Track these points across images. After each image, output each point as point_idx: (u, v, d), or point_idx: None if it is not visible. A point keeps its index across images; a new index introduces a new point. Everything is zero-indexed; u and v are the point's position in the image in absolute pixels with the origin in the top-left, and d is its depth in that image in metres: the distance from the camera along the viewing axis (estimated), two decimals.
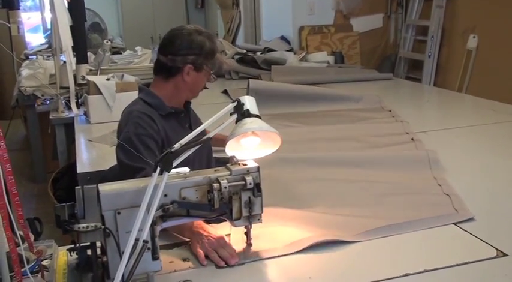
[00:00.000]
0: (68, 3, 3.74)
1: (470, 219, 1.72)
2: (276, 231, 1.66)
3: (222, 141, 1.59)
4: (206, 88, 2.07)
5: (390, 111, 3.34)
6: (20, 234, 1.14)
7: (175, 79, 1.96)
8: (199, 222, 1.58)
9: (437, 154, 2.31)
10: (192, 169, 1.47)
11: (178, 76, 1.95)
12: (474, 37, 5.12)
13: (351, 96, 3.73)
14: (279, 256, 1.51)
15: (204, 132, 1.44)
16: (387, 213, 1.82)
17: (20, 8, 8.20)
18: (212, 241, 1.52)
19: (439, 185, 2.06)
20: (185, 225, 1.58)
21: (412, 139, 2.68)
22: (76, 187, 1.31)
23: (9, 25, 5.91)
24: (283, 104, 3.48)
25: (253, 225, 1.50)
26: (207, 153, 2.11)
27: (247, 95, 2.30)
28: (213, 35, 2.01)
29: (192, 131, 1.38)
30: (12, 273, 1.12)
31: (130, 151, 1.82)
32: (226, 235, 1.58)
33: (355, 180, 2.17)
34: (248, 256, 1.50)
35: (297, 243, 1.57)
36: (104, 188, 1.34)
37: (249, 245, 1.55)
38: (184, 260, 1.49)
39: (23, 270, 1.13)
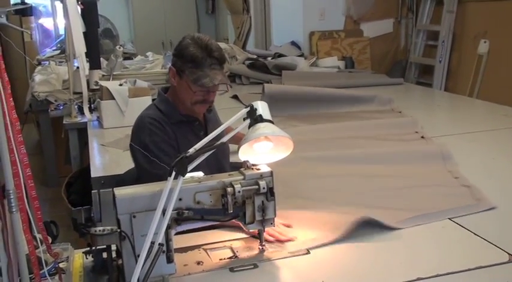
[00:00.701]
0: (81, 9, 3.78)
1: (482, 223, 1.73)
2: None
3: (238, 139, 1.61)
4: (206, 103, 1.92)
5: (400, 112, 3.40)
6: (38, 237, 1.17)
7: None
8: None
9: (449, 149, 2.40)
10: (206, 173, 1.48)
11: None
12: (485, 42, 5.10)
13: (363, 96, 3.80)
14: (291, 256, 1.54)
15: (219, 138, 1.46)
16: (410, 205, 1.88)
17: (32, 14, 8.28)
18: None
19: (456, 177, 2.13)
20: None
21: (423, 137, 2.76)
22: (92, 191, 1.34)
23: (28, 32, 5.97)
24: (297, 106, 3.51)
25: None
26: (223, 157, 2.10)
27: (261, 99, 2.31)
28: (211, 46, 1.83)
29: None
30: (31, 275, 1.15)
31: (151, 159, 1.84)
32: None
33: (371, 175, 2.24)
34: (262, 259, 1.52)
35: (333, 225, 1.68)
36: (120, 192, 1.36)
37: (261, 249, 1.56)
38: (198, 263, 1.51)
39: (41, 272, 1.15)
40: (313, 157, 2.43)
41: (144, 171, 1.88)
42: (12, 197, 1.08)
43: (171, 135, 1.92)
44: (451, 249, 1.59)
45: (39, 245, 1.17)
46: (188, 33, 1.93)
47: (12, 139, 1.05)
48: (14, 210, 1.09)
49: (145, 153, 1.86)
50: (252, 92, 4.00)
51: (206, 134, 1.89)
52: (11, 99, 1.05)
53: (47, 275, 1.18)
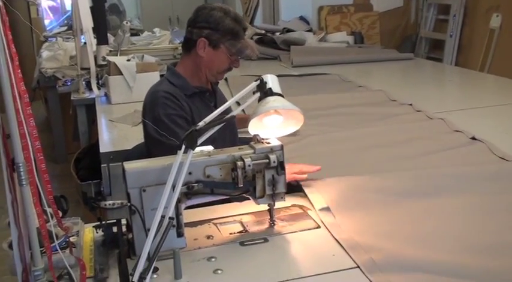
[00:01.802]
0: None
1: None
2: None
3: (244, 120, 1.60)
4: (230, 70, 2.03)
5: (411, 104, 2.90)
6: (49, 211, 1.16)
7: (193, 54, 1.97)
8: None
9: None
10: (215, 148, 1.47)
11: (194, 50, 1.95)
12: (497, 16, 5.02)
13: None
14: (302, 230, 1.53)
15: (228, 111, 1.44)
16: None
17: None
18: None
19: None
20: None
21: (474, 138, 2.30)
22: (102, 165, 1.33)
23: (36, 2, 5.91)
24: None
25: None
26: (231, 133, 2.11)
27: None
28: (241, 19, 1.96)
29: None
30: (42, 249, 1.14)
31: (165, 131, 1.84)
32: None
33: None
34: (273, 233, 1.52)
35: None
36: (130, 166, 1.35)
37: (272, 223, 1.55)
38: (208, 237, 1.51)
39: (52, 245, 1.15)
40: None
41: (159, 143, 1.87)
42: (22, 170, 1.07)
43: (186, 109, 1.93)
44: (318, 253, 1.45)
45: (50, 218, 1.16)
46: (206, 5, 2.00)
47: (20, 111, 1.04)
48: (24, 183, 1.08)
49: (159, 127, 1.86)
50: (245, 73, 3.69)
51: (216, 105, 1.98)
52: (19, 70, 1.04)
53: (58, 249, 1.18)
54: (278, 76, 1.53)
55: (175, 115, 1.89)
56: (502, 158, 2.07)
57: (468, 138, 2.31)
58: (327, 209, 1.62)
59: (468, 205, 1.69)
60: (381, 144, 2.32)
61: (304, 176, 1.80)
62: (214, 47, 1.93)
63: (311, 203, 1.68)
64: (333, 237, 1.49)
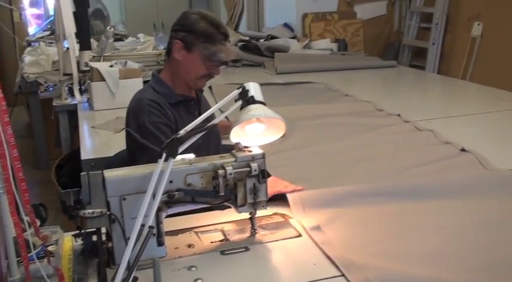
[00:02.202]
0: None
1: None
2: None
3: (227, 128, 1.59)
4: (211, 76, 2.00)
5: (399, 115, 2.88)
6: (26, 220, 1.15)
7: (172, 59, 1.96)
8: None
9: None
10: (199, 156, 1.47)
11: (171, 54, 1.95)
12: (479, 24, 5.09)
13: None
14: (283, 239, 1.52)
15: (211, 120, 1.44)
16: None
17: None
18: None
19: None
20: None
21: (464, 150, 2.27)
22: (82, 173, 1.32)
23: (14, 9, 5.87)
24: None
25: None
26: (215, 141, 2.10)
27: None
28: (218, 22, 1.92)
29: None
30: (19, 258, 1.13)
31: (150, 139, 1.82)
32: None
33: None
34: (254, 242, 1.51)
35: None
36: (110, 174, 1.34)
37: (253, 232, 1.55)
38: (189, 246, 1.50)
39: (29, 255, 1.13)
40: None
41: (146, 150, 1.85)
42: None
43: (171, 117, 1.93)
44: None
45: (27, 227, 1.15)
46: (190, 9, 1.98)
47: None
48: (0, 192, 1.07)
49: (144, 134, 1.85)
50: (229, 82, 3.64)
51: (200, 113, 1.93)
52: None
53: (35, 258, 1.16)
54: (262, 84, 1.53)
55: (160, 123, 1.89)
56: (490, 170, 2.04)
57: (458, 150, 2.28)
58: (318, 227, 1.56)
59: (464, 220, 1.63)
60: (369, 156, 2.27)
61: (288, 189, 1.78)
62: (188, 49, 1.91)
63: (292, 213, 1.66)
64: (317, 246, 1.48)
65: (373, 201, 1.73)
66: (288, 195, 1.72)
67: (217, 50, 1.89)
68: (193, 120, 1.37)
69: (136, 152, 1.93)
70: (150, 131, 1.86)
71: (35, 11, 8.09)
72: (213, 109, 1.45)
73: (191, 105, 2.03)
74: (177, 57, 1.93)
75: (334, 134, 2.63)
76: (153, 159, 1.39)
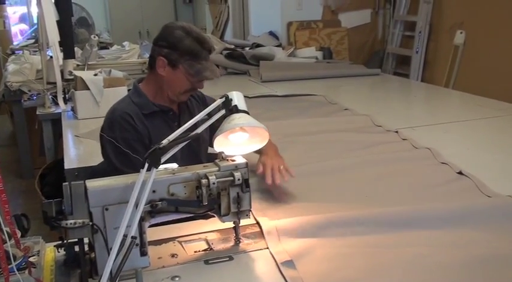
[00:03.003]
0: None
1: None
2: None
3: None
4: (194, 90, 2.00)
5: (397, 132, 2.76)
6: (6, 231, 1.14)
7: (154, 72, 1.95)
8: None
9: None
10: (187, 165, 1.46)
11: (155, 68, 1.94)
12: (461, 33, 5.15)
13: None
14: (267, 248, 1.52)
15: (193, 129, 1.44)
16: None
17: (6, 2, 8.11)
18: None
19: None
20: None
21: (461, 173, 2.14)
22: (64, 183, 1.31)
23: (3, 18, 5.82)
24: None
25: None
26: (194, 150, 2.08)
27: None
28: (203, 38, 1.91)
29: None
30: None
31: (121, 155, 1.83)
32: None
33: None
34: (238, 251, 1.51)
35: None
36: (92, 184, 1.33)
37: (237, 241, 1.55)
38: (173, 256, 1.49)
39: (10, 267, 1.12)
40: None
41: (112, 166, 1.87)
42: None
43: (142, 130, 1.91)
44: None
45: (7, 239, 1.14)
46: (173, 23, 1.95)
47: None
48: None
49: (115, 148, 1.86)
50: (215, 88, 3.50)
51: (179, 125, 1.80)
52: None
53: (15, 270, 1.15)
54: (262, 97, 1.53)
55: (132, 139, 1.88)
56: (489, 196, 1.91)
57: (455, 172, 2.15)
58: (290, 262, 1.43)
59: (458, 254, 1.48)
60: (361, 177, 2.14)
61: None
62: (173, 66, 1.90)
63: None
64: None
65: (356, 231, 1.59)
66: (262, 225, 1.62)
67: (202, 67, 1.89)
68: (171, 132, 1.36)
69: (108, 167, 1.93)
70: (120, 147, 1.86)
71: (24, 26, 8.06)
72: (196, 118, 1.45)
73: (169, 116, 2.01)
74: (161, 73, 1.92)
75: (326, 152, 2.51)
76: (119, 173, 1.40)
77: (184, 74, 1.90)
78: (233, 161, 1.46)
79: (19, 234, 1.21)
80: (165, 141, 1.32)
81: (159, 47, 1.92)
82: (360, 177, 2.14)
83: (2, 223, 1.07)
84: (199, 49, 1.88)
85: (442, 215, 1.70)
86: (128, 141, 1.87)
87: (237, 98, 1.51)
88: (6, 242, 1.13)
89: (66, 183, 1.31)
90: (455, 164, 2.21)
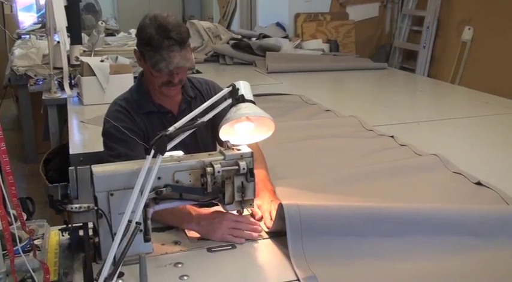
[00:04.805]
0: None
1: None
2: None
3: None
4: (174, 84, 1.80)
5: (392, 136, 2.54)
6: (13, 213, 1.14)
7: None
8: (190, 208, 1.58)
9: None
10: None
11: None
12: (469, 29, 5.12)
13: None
14: (270, 237, 1.52)
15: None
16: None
17: None
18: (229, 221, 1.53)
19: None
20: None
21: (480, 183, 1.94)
22: (70, 168, 1.31)
23: (5, 2, 5.83)
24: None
25: None
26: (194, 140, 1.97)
27: None
28: (166, 26, 1.70)
29: None
30: (4, 252, 1.13)
31: (113, 142, 1.81)
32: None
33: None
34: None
35: None
36: (98, 169, 1.34)
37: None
38: (176, 243, 1.50)
39: (15, 248, 1.13)
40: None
41: (104, 154, 1.85)
42: None
43: (140, 123, 1.85)
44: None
45: (13, 221, 1.15)
46: (150, 12, 1.79)
47: None
48: None
49: (107, 139, 1.84)
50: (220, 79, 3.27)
51: None
52: None
53: (21, 252, 1.16)
54: None
55: (124, 127, 1.79)
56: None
57: (472, 183, 1.95)
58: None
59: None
60: (369, 192, 1.89)
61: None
62: (143, 58, 1.77)
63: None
64: None
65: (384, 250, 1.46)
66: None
67: (160, 58, 1.70)
68: None
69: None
70: (112, 135, 1.81)
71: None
72: (202, 107, 1.46)
73: (167, 118, 1.89)
74: (140, 65, 1.85)
75: (321, 162, 2.25)
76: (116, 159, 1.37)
77: (147, 64, 1.76)
78: (238, 150, 1.46)
79: (24, 217, 1.22)
80: (171, 129, 1.32)
81: (136, 38, 1.84)
82: (366, 192, 1.88)
83: (8, 205, 1.08)
84: (159, 38, 1.69)
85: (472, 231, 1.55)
86: (118, 128, 1.79)
87: (244, 88, 1.52)
88: (12, 224, 1.14)
89: (72, 167, 1.32)
90: (470, 172, 2.03)
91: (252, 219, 1.61)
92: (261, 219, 1.63)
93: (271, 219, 1.59)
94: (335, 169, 2.15)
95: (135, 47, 1.82)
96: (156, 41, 1.69)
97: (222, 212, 1.56)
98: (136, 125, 1.84)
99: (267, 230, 1.57)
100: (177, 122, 1.86)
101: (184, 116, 1.88)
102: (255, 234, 1.53)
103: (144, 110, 1.87)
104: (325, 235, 1.47)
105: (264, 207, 1.66)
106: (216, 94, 1.53)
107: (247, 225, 1.55)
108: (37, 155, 4.56)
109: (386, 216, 1.55)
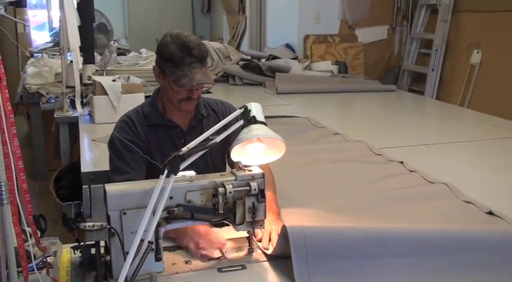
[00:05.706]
0: (77, 3, 3.77)
1: None
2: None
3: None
4: (192, 99, 1.84)
5: (402, 162, 2.50)
6: (28, 231, 1.16)
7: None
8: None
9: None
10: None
11: None
12: (478, 52, 5.14)
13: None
14: (280, 259, 1.51)
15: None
16: None
17: (27, 5, 8.23)
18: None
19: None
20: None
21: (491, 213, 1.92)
22: (83, 186, 1.34)
23: (26, 24, 5.91)
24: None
25: None
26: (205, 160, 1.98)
27: None
28: (189, 44, 1.76)
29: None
30: (19, 269, 1.14)
31: (113, 154, 1.86)
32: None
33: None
34: (251, 260, 1.52)
35: None
36: (111, 188, 1.36)
37: (250, 250, 1.56)
38: (187, 262, 1.51)
39: (29, 265, 1.15)
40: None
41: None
42: (3, 189, 1.08)
43: (142, 136, 1.88)
44: None
45: (28, 238, 1.16)
46: (170, 30, 1.85)
47: (5, 131, 1.05)
48: (4, 202, 1.08)
49: (111, 148, 1.88)
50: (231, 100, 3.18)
51: (185, 143, 1.72)
52: (6, 90, 1.05)
53: (35, 269, 1.17)
54: None
55: (128, 140, 1.84)
56: None
57: (484, 212, 1.91)
58: None
59: None
60: (378, 219, 1.86)
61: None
62: (163, 74, 1.83)
63: None
64: None
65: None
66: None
67: (181, 74, 1.76)
68: (174, 148, 1.36)
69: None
70: (116, 147, 1.86)
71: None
72: (214, 128, 1.48)
73: (175, 133, 1.92)
74: (159, 82, 1.89)
75: (330, 188, 2.22)
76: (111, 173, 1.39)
77: (168, 81, 1.81)
78: (250, 171, 1.48)
79: (38, 234, 1.24)
80: (184, 149, 1.34)
81: (156, 55, 1.90)
82: (374, 220, 1.86)
83: (24, 222, 1.10)
84: (182, 55, 1.75)
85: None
86: (123, 142, 1.84)
87: (256, 109, 1.54)
88: (27, 241, 1.15)
89: (86, 186, 1.34)
90: (480, 199, 2.01)
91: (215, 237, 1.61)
92: (261, 240, 1.63)
93: (269, 240, 1.59)
94: (342, 197, 2.11)
95: (154, 64, 1.88)
96: (179, 58, 1.75)
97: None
98: (137, 137, 1.88)
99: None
100: (185, 136, 1.94)
101: (194, 132, 1.95)
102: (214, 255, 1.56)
103: (150, 122, 1.91)
104: (330, 258, 1.46)
105: (264, 228, 1.62)
106: (230, 109, 1.56)
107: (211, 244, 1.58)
108: (47, 173, 4.59)
109: (393, 238, 1.55)
